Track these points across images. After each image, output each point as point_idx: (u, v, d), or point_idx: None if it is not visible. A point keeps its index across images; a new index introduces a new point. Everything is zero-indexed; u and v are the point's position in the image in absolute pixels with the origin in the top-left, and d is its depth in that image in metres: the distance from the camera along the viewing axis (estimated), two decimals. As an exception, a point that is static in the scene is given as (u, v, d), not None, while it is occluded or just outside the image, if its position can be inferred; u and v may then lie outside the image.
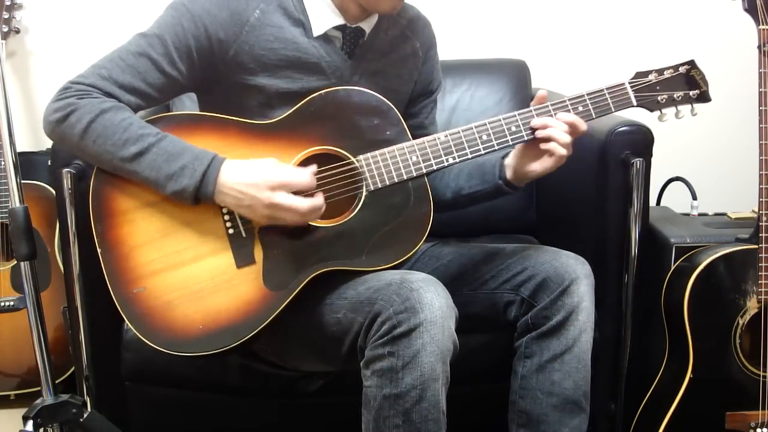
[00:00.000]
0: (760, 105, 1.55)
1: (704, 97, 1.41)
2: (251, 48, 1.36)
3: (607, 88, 1.38)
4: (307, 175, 1.29)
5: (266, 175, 1.27)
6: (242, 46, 1.35)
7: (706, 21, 2.35)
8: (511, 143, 1.37)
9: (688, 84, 1.40)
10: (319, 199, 1.29)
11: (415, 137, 1.39)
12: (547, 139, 1.34)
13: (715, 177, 2.36)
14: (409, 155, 1.35)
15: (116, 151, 1.28)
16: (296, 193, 1.28)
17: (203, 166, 1.27)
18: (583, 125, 1.36)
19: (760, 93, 1.54)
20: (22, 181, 1.39)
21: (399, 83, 1.50)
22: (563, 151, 1.34)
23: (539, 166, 1.37)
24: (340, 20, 1.39)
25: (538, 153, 1.37)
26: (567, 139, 1.33)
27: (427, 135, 1.52)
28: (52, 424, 1.36)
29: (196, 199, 1.28)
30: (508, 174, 1.43)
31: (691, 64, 1.41)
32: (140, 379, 1.62)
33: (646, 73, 1.40)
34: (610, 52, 2.34)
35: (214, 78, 1.38)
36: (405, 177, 1.35)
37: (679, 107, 1.41)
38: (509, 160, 1.43)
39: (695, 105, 1.41)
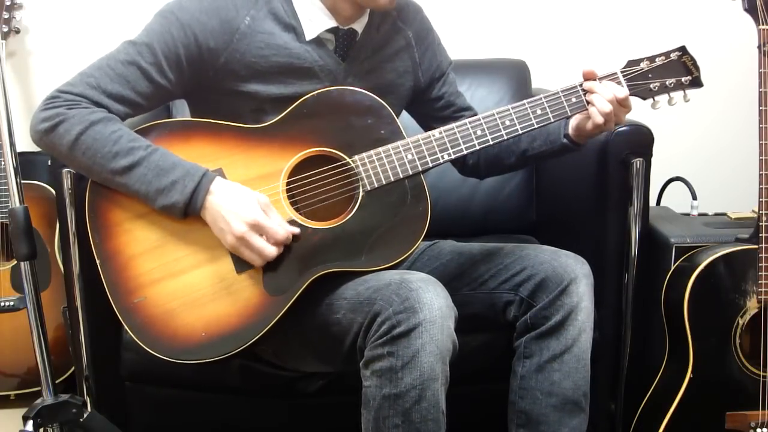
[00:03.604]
0: (760, 105, 1.55)
1: (696, 83, 1.41)
2: (242, 56, 1.35)
3: (599, 78, 1.38)
4: (283, 232, 1.28)
5: (249, 211, 1.27)
6: (233, 54, 1.35)
7: (706, 21, 2.35)
8: (506, 137, 1.37)
9: (680, 70, 1.40)
10: (279, 250, 1.29)
11: (452, 118, 1.39)
12: (590, 103, 1.37)
13: (715, 177, 2.36)
14: (404, 153, 1.35)
15: (106, 164, 1.27)
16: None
17: (194, 183, 1.27)
18: (620, 92, 1.36)
19: (760, 93, 1.54)
20: (22, 181, 1.39)
21: (395, 76, 1.50)
22: (600, 119, 1.35)
23: (591, 123, 1.38)
24: (332, 23, 1.38)
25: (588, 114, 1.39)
26: (607, 108, 1.35)
27: (459, 108, 1.57)
28: (52, 424, 1.36)
29: (185, 214, 1.28)
30: (571, 131, 1.44)
31: (683, 50, 1.41)
32: (140, 379, 1.62)
33: (637, 61, 1.41)
34: (610, 52, 2.34)
35: (205, 85, 1.37)
36: (401, 176, 1.35)
37: (672, 94, 1.41)
38: (572, 117, 1.43)
39: (688, 91, 1.41)
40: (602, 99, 1.35)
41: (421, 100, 1.57)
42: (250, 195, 1.29)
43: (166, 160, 1.28)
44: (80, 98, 1.29)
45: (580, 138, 1.44)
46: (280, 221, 1.30)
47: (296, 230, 1.31)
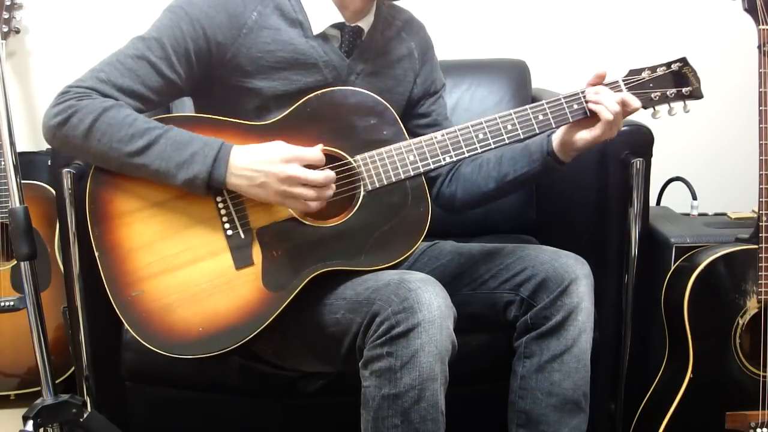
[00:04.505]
0: (759, 105, 1.55)
1: (696, 95, 1.41)
2: (248, 51, 1.36)
3: (601, 86, 1.38)
4: (317, 151, 1.29)
5: (278, 151, 1.27)
6: (240, 49, 1.35)
7: (706, 21, 2.35)
8: (507, 141, 1.37)
9: (680, 81, 1.40)
10: (331, 173, 1.29)
11: None
12: (597, 103, 1.34)
13: (715, 177, 2.36)
14: (407, 155, 1.35)
15: (123, 147, 1.27)
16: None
17: (214, 151, 1.27)
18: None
19: (760, 93, 1.54)
20: (22, 181, 1.39)
21: (394, 84, 1.50)
22: (609, 116, 1.33)
23: (588, 133, 1.36)
24: (339, 17, 1.39)
25: (588, 122, 1.36)
26: (616, 107, 1.33)
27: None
28: (52, 424, 1.36)
29: (208, 186, 1.28)
30: (555, 148, 1.41)
31: (683, 61, 1.41)
32: (140, 379, 1.62)
33: (639, 71, 1.41)
34: (610, 52, 2.34)
35: (212, 81, 1.38)
36: (402, 176, 1.35)
37: (672, 104, 1.41)
38: (556, 134, 1.42)
39: (688, 102, 1.41)
40: (611, 100, 1.34)
41: (409, 113, 1.57)
42: (269, 143, 1.29)
43: (183, 135, 1.29)
44: (90, 91, 1.30)
45: (567, 154, 1.41)
46: (306, 147, 1.29)
47: (320, 146, 1.30)
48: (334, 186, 1.30)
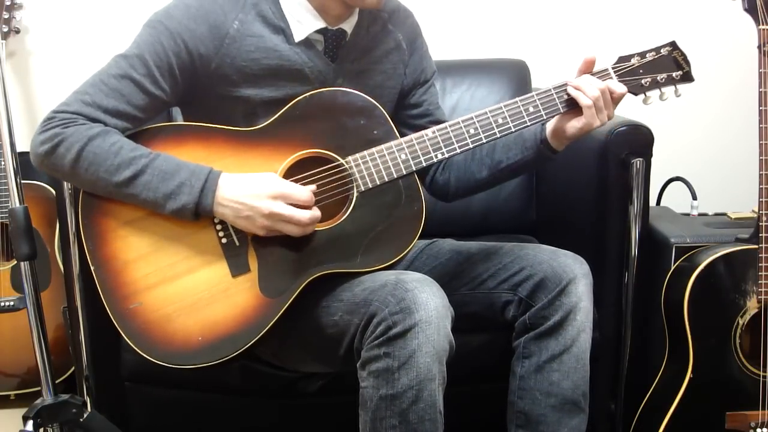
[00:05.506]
0: (759, 105, 1.55)
1: (687, 78, 1.41)
2: (233, 60, 1.35)
3: (591, 75, 1.38)
4: (306, 192, 1.29)
5: (266, 186, 1.27)
6: (224, 59, 1.34)
7: (706, 21, 2.34)
8: (499, 135, 1.36)
9: (670, 65, 1.40)
10: (317, 212, 1.30)
11: (425, 127, 1.39)
12: (576, 88, 1.35)
13: (715, 177, 2.36)
14: (398, 153, 1.35)
15: (110, 177, 1.27)
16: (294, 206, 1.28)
17: (201, 182, 1.27)
18: (619, 88, 1.36)
19: (760, 93, 1.54)
20: (22, 181, 1.39)
21: (384, 78, 1.49)
22: (587, 101, 1.33)
23: (577, 121, 1.36)
24: (320, 23, 1.38)
25: (578, 111, 1.36)
26: (595, 92, 1.33)
27: (435, 120, 1.54)
28: (52, 424, 1.36)
29: (196, 215, 1.28)
30: (549, 136, 1.41)
31: (673, 45, 1.41)
32: (140, 379, 1.62)
33: (628, 57, 1.41)
34: (610, 52, 2.33)
35: (198, 92, 1.37)
36: (395, 176, 1.35)
37: (663, 89, 1.41)
38: (549, 123, 1.42)
39: (679, 86, 1.41)
40: (590, 86, 1.34)
41: (400, 104, 1.56)
42: (260, 175, 1.30)
43: (169, 163, 1.28)
44: (76, 116, 1.29)
45: (560, 143, 1.42)
46: (297, 185, 1.30)
47: (314, 188, 1.31)
48: (318, 219, 1.31)
